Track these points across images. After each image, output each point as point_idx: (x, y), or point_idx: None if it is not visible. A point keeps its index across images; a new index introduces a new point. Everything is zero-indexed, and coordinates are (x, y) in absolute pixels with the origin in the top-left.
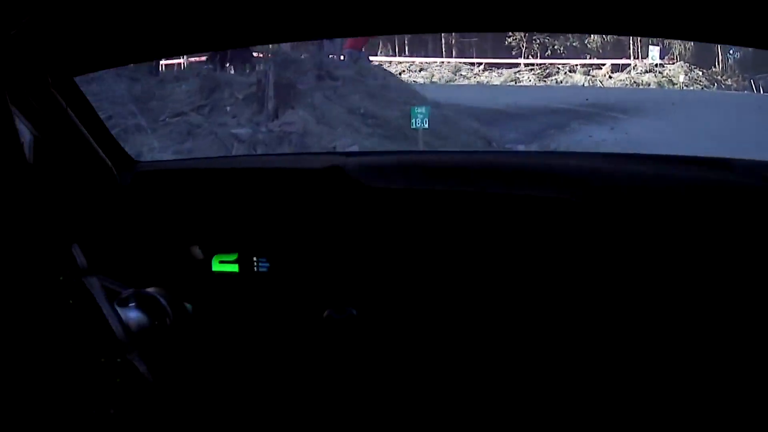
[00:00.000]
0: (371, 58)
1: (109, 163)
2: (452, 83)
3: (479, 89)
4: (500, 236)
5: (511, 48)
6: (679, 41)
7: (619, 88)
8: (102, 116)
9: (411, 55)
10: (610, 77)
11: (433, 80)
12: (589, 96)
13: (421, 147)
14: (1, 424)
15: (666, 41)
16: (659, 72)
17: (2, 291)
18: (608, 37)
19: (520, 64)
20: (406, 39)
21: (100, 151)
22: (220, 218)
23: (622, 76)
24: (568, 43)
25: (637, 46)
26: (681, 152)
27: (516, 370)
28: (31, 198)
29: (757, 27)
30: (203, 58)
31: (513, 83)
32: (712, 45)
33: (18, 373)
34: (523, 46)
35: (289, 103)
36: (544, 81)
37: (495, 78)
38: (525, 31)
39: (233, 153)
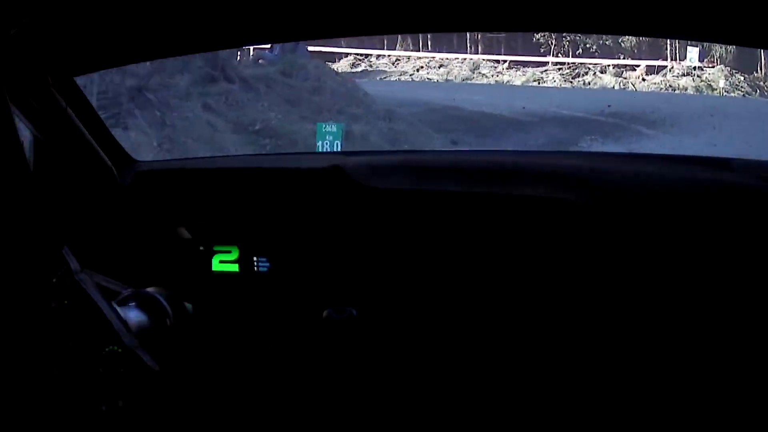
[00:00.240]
0: (389, 53)
1: (109, 163)
2: (468, 81)
3: (492, 90)
4: (500, 236)
5: (540, 45)
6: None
7: (652, 92)
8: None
9: (433, 51)
10: (644, 80)
11: (448, 78)
12: (614, 102)
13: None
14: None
15: (705, 43)
16: (697, 76)
17: (1, 290)
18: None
19: (548, 62)
20: (429, 34)
21: (100, 151)
22: (220, 218)
23: (657, 78)
24: (601, 42)
25: (675, 47)
26: None
27: (516, 370)
28: (31, 198)
29: (757, 27)
30: None
31: (536, 83)
32: (755, 49)
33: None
34: (552, 43)
35: (120, 119)
36: (571, 82)
37: (517, 77)
38: (525, 31)
39: None
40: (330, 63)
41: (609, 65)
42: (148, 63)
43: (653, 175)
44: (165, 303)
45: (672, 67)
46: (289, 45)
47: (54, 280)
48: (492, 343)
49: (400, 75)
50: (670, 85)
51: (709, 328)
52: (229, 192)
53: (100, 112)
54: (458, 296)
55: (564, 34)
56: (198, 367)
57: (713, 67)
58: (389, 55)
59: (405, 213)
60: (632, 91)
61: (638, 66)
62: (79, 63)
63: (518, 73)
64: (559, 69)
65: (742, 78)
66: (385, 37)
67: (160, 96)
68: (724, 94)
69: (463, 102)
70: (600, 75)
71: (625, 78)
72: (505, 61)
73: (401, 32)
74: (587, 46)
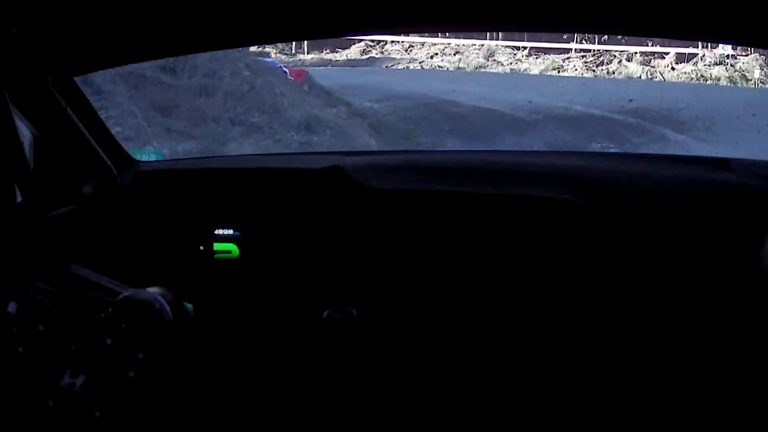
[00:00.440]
0: (403, 38)
1: (109, 163)
2: (482, 70)
3: (501, 80)
4: (501, 236)
5: None
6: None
7: (681, 83)
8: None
9: (450, 37)
10: (673, 68)
11: (460, 66)
12: (638, 95)
13: None
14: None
15: None
16: (731, 65)
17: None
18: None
19: (571, 49)
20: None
21: (100, 151)
22: (220, 217)
23: (688, 67)
24: None
25: None
26: None
27: (516, 370)
28: (31, 198)
29: (757, 27)
30: None
31: (555, 72)
32: None
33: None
34: None
35: None
36: (593, 71)
37: (535, 65)
38: (526, 31)
39: None
40: (340, 50)
41: (636, 52)
42: None
43: (653, 175)
44: (165, 303)
45: (703, 55)
46: None
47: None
48: (492, 343)
49: (410, 63)
50: (702, 75)
51: (710, 327)
52: (229, 192)
53: (100, 113)
54: (458, 296)
55: None
56: (198, 367)
57: (747, 55)
58: (402, 42)
59: (405, 213)
60: (660, 81)
61: (667, 54)
62: (79, 63)
63: (538, 60)
64: (583, 56)
65: None
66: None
67: None
68: (760, 85)
69: (462, 95)
70: (626, 63)
71: (653, 66)
72: (525, 48)
73: (401, 32)
74: None
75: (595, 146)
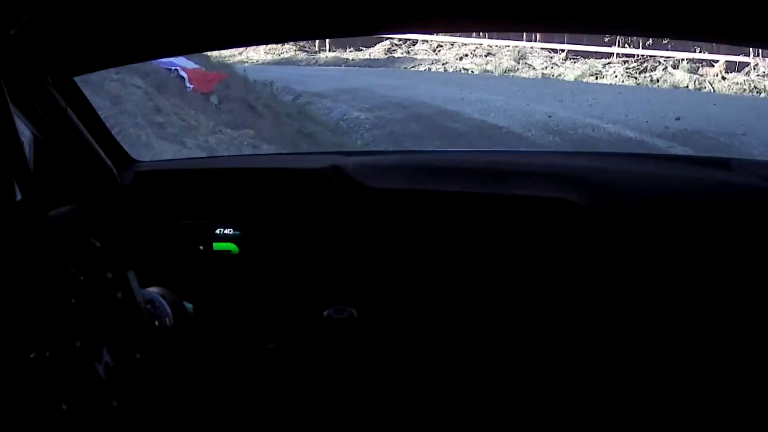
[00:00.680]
0: (432, 38)
1: (109, 163)
2: (511, 74)
3: (530, 87)
4: (501, 236)
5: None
6: None
7: (735, 96)
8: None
9: (483, 36)
10: (724, 78)
11: (487, 69)
12: (685, 110)
13: None
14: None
15: None
16: None
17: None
18: None
19: (612, 54)
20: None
21: (100, 151)
22: (220, 217)
23: (739, 78)
24: None
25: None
26: None
27: (516, 370)
28: (31, 198)
29: (757, 27)
30: None
31: (593, 79)
32: None
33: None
34: None
35: None
36: (635, 78)
37: (571, 70)
38: (526, 31)
39: None
40: (364, 48)
41: (683, 59)
42: None
43: (653, 175)
44: (165, 303)
45: (756, 65)
46: None
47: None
48: (492, 343)
49: (434, 64)
50: (755, 87)
51: (710, 327)
52: (229, 191)
53: (100, 113)
54: (458, 296)
55: None
56: (198, 366)
57: None
58: (431, 41)
59: (405, 213)
60: (709, 93)
61: (716, 61)
62: (79, 63)
63: (575, 65)
64: (625, 62)
65: None
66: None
67: None
68: None
69: (471, 105)
70: (672, 71)
71: (702, 75)
72: (562, 51)
73: (402, 32)
74: None
75: None
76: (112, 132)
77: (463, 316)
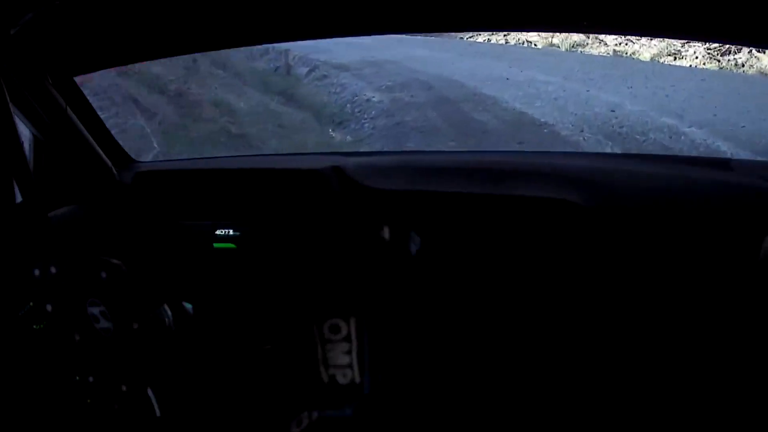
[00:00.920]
0: None
1: (109, 163)
2: (580, 49)
3: (597, 66)
4: (501, 237)
5: None
6: None
7: None
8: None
9: None
10: None
11: (554, 42)
12: (754, 118)
13: None
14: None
15: None
16: None
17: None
18: None
19: None
20: None
21: (100, 151)
22: (220, 217)
23: None
24: None
25: None
26: None
27: (517, 370)
28: (31, 198)
29: (757, 27)
30: None
31: (671, 59)
32: None
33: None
34: None
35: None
36: (718, 61)
37: (647, 48)
38: (526, 32)
39: None
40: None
41: None
42: None
43: (653, 175)
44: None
45: None
46: None
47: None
48: (493, 343)
49: (493, 34)
50: None
51: (710, 328)
52: (229, 192)
53: (99, 113)
54: (459, 296)
55: None
56: (198, 366)
57: None
58: None
59: (405, 214)
60: None
61: None
62: (79, 63)
63: (651, 42)
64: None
65: None
66: None
67: None
68: None
69: (514, 88)
70: (758, 54)
71: None
72: None
73: (402, 32)
74: None
75: None
76: (112, 132)
77: (463, 317)
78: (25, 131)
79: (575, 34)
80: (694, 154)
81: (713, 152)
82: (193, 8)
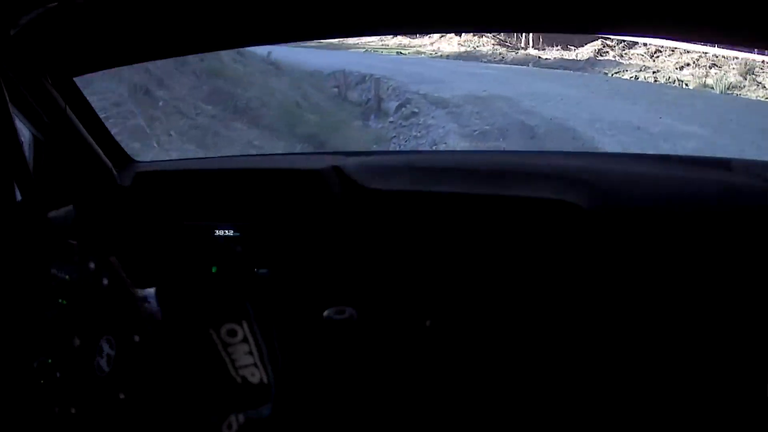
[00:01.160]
0: (653, 41)
1: (109, 164)
2: (733, 92)
3: (752, 114)
4: (501, 237)
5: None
6: None
7: None
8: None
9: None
10: None
11: (707, 83)
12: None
13: None
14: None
15: None
16: None
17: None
18: None
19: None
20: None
21: (100, 151)
22: (220, 218)
23: None
24: None
25: None
26: None
27: (516, 371)
28: (31, 198)
29: (757, 27)
30: None
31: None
32: None
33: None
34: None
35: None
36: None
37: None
38: (527, 31)
39: None
40: (573, 47)
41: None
42: None
43: (653, 175)
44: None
45: None
46: None
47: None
48: (492, 344)
49: (641, 71)
50: None
51: (710, 328)
52: (229, 192)
53: (99, 113)
54: (458, 297)
55: None
56: (197, 366)
57: None
58: (649, 45)
59: (405, 213)
60: None
61: None
62: (79, 63)
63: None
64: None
65: None
66: None
67: None
68: None
69: (642, 141)
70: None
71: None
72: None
73: (403, 32)
74: None
75: None
76: (112, 132)
77: (463, 317)
78: (24, 131)
79: (731, 74)
80: None
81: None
82: (193, 8)
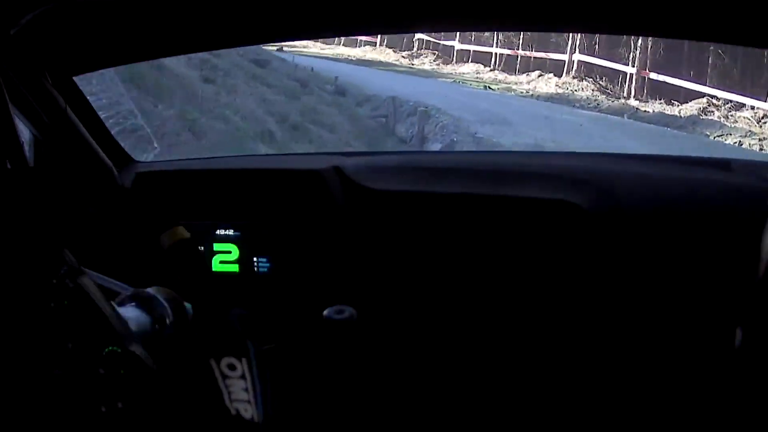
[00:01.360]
0: None
1: (109, 163)
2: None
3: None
4: (501, 237)
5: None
6: None
7: None
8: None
9: None
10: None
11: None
12: None
13: None
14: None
15: None
16: None
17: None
18: None
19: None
20: None
21: (100, 151)
22: (220, 218)
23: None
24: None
25: None
26: None
27: (517, 371)
28: (30, 198)
29: (757, 27)
30: None
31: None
32: None
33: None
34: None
35: None
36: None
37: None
38: (525, 31)
39: None
40: (676, 103)
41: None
42: None
43: (653, 175)
44: (165, 303)
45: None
46: None
47: (54, 280)
48: (492, 344)
49: (747, 136)
50: None
51: (711, 329)
52: (229, 192)
53: (100, 113)
54: (458, 297)
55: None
56: (197, 366)
57: None
58: (757, 109)
59: (405, 214)
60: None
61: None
62: (79, 63)
63: None
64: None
65: None
66: None
67: None
68: None
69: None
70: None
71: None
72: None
73: (403, 32)
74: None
75: None
76: (112, 132)
77: (463, 318)
78: (24, 131)
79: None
80: None
81: None
82: (193, 8)
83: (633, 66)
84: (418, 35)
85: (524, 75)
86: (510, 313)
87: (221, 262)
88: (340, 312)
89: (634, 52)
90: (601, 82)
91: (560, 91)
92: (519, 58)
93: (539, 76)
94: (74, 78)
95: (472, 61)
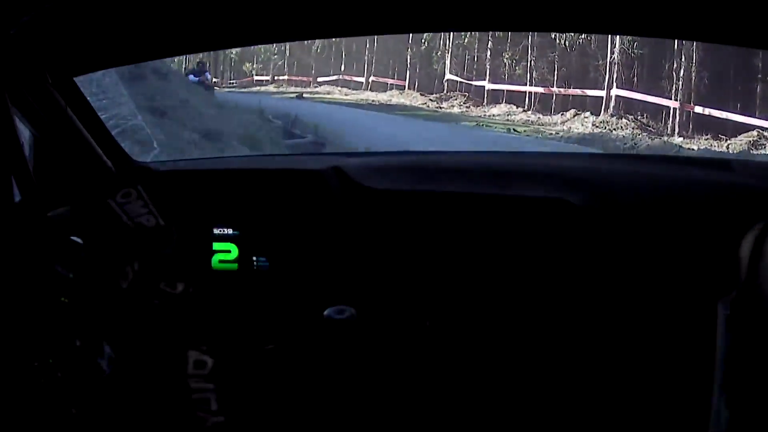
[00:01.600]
0: None
1: (109, 163)
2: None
3: None
4: (500, 237)
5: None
6: None
7: None
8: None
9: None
10: None
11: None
12: None
13: None
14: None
15: None
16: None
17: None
18: None
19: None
20: None
21: (100, 151)
22: (220, 217)
23: None
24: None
25: None
26: None
27: (516, 369)
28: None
29: (757, 27)
30: None
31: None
32: None
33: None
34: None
35: None
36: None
37: None
38: (527, 31)
39: None
40: (723, 137)
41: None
42: None
43: (653, 175)
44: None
45: None
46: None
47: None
48: (491, 343)
49: None
50: None
51: (709, 328)
52: (229, 192)
53: (99, 113)
54: (458, 296)
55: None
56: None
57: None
58: None
59: (404, 213)
60: None
61: None
62: (79, 63)
63: None
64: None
65: None
66: None
67: None
68: None
69: None
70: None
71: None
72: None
73: (404, 32)
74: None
75: None
76: (112, 133)
77: (462, 316)
78: (24, 131)
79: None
80: None
81: None
82: (193, 8)
83: (676, 99)
84: (448, 76)
85: (559, 115)
86: (508, 309)
87: (220, 261)
88: (340, 312)
89: (676, 83)
90: (642, 119)
91: (597, 131)
92: (554, 97)
93: (575, 116)
94: (74, 78)
95: (505, 102)
